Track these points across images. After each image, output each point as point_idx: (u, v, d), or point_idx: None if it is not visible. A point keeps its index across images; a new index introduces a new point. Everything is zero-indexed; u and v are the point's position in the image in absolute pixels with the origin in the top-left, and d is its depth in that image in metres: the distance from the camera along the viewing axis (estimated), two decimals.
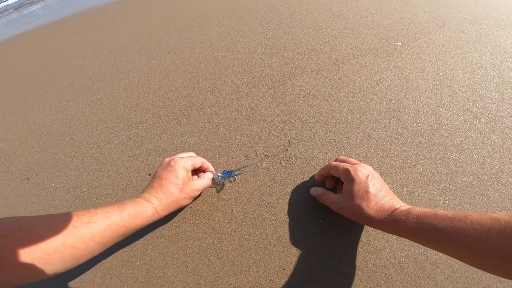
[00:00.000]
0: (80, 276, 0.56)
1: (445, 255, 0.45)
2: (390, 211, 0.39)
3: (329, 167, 0.50)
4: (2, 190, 0.80)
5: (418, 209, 0.37)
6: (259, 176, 0.62)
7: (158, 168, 0.52)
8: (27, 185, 0.78)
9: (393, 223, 0.38)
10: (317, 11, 1.21)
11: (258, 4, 1.40)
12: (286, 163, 0.63)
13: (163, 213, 0.48)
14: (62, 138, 0.89)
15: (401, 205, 0.40)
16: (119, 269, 0.55)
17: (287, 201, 0.57)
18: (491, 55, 0.82)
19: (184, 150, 0.70)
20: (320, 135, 0.67)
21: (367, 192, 0.42)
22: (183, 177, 0.50)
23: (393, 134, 0.64)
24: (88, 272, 0.56)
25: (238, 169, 0.62)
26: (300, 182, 0.59)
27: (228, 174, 0.59)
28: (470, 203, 0.52)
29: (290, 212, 0.55)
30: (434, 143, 0.61)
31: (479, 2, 1.10)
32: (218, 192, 0.59)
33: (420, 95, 0.72)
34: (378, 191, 0.42)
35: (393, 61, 0.84)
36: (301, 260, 0.50)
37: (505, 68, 0.76)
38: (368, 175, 0.44)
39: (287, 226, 0.53)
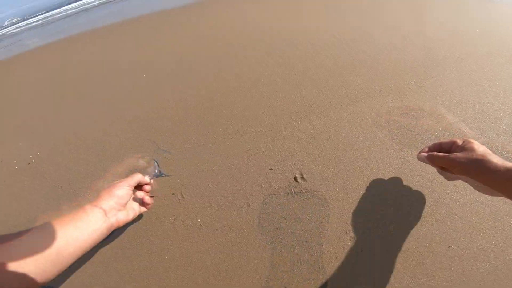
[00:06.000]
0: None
1: None
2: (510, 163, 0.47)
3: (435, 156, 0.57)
4: (35, 195, 0.99)
5: None
6: (271, 204, 0.76)
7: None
8: (59, 192, 0.98)
9: None
10: (336, 44, 1.40)
11: (279, 35, 1.62)
12: (297, 194, 0.78)
13: (98, 203, 0.62)
14: (95, 153, 1.08)
15: None
16: (134, 276, 0.70)
17: (295, 228, 0.71)
18: (504, 94, 0.95)
19: (206, 177, 0.87)
20: (330, 171, 0.81)
21: (486, 149, 0.51)
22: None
23: (398, 175, 0.78)
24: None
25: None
26: (308, 212, 0.73)
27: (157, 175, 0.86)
28: None
29: (296, 237, 0.69)
30: (437, 183, 0.74)
31: (496, 36, 1.24)
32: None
33: (428, 137, 0.86)
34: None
35: (406, 101, 0.99)
36: (302, 280, 0.63)
37: None
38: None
39: (292, 250, 0.67)
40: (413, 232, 0.65)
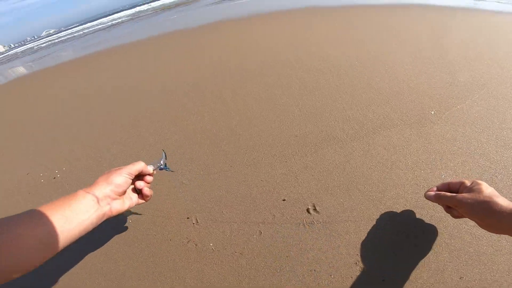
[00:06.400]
0: None
1: None
2: None
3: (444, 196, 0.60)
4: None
5: None
6: (283, 233, 0.78)
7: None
8: None
9: None
10: (354, 72, 1.44)
11: (300, 60, 1.70)
12: (308, 225, 0.79)
13: (91, 190, 0.59)
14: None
15: None
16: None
17: (304, 257, 0.71)
18: None
19: (220, 203, 0.91)
20: (343, 203, 0.82)
21: (494, 191, 0.52)
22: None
23: (412, 210, 0.77)
24: None
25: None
26: (318, 242, 0.74)
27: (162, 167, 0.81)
28: None
29: (305, 266, 0.69)
30: (451, 218, 0.72)
31: None
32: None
33: (447, 172, 0.84)
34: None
35: (424, 133, 0.99)
36: None
37: None
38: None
39: (301, 278, 0.67)
40: (424, 263, 0.64)
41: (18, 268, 0.43)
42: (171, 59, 2.45)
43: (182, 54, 2.57)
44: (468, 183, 0.58)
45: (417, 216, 0.74)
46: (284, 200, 0.87)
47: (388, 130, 1.04)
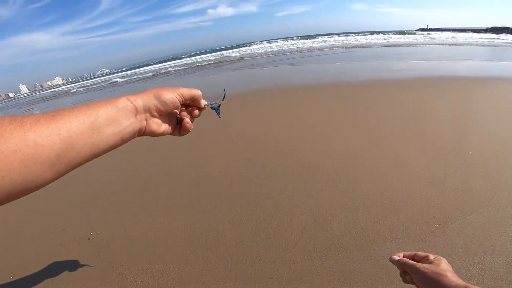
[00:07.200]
0: None
1: None
2: (464, 283, 0.53)
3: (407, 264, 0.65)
4: (86, 268, 1.24)
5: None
6: None
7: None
8: (108, 271, 1.20)
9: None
10: (366, 178, 1.57)
11: (321, 162, 1.84)
12: None
13: (133, 99, 0.49)
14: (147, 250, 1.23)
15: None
16: None
17: None
18: None
19: None
20: None
21: (450, 268, 0.58)
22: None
23: None
24: None
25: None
26: None
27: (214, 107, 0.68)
28: None
29: None
30: None
31: None
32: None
33: None
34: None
35: (425, 247, 1.08)
36: None
37: None
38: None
39: None
40: None
41: (26, 187, 0.34)
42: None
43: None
44: (431, 257, 0.64)
45: None
46: None
47: (391, 242, 1.13)
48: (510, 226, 1.10)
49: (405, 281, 0.67)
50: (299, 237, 1.27)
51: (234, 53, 18.16)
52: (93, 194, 1.93)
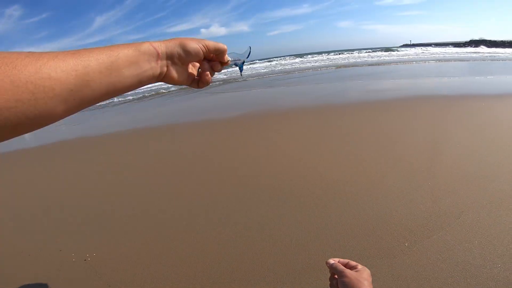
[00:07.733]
0: None
1: None
2: None
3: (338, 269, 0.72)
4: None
5: None
6: None
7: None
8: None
9: None
10: (346, 200, 1.67)
11: (297, 188, 1.93)
12: None
13: (157, 45, 0.47)
14: (148, 268, 1.40)
15: None
16: None
17: None
18: (491, 259, 1.11)
19: None
20: None
21: (369, 278, 0.66)
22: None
23: None
24: None
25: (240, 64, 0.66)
26: None
27: (238, 63, 0.65)
28: None
29: None
30: None
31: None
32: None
33: None
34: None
35: (394, 264, 1.17)
36: None
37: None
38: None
39: None
40: None
41: (35, 120, 0.32)
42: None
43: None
44: (359, 267, 0.72)
45: None
46: None
47: (364, 261, 1.22)
48: (473, 243, 1.20)
49: (331, 285, 0.75)
50: (278, 261, 1.35)
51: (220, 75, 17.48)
52: (85, 218, 1.95)
